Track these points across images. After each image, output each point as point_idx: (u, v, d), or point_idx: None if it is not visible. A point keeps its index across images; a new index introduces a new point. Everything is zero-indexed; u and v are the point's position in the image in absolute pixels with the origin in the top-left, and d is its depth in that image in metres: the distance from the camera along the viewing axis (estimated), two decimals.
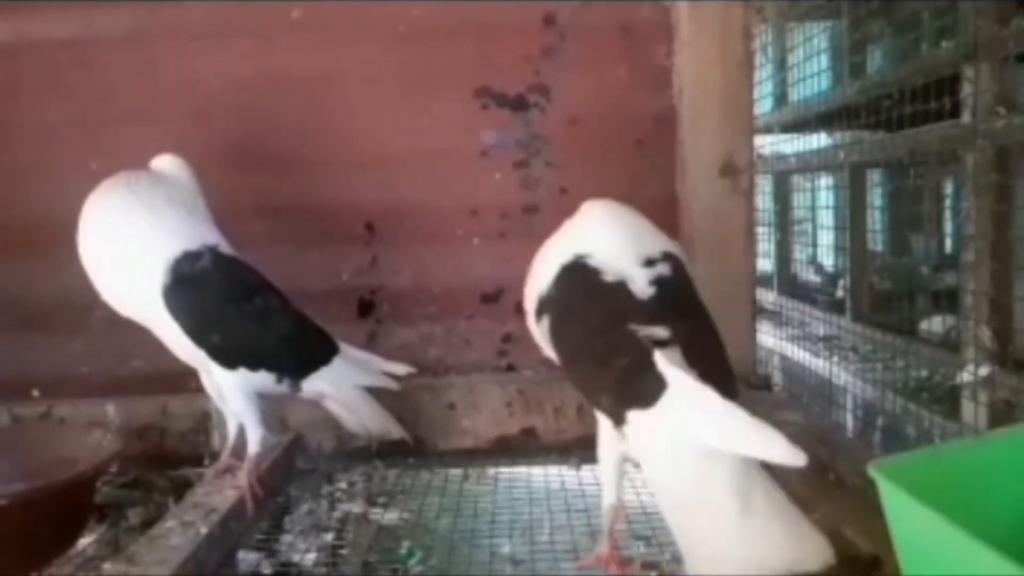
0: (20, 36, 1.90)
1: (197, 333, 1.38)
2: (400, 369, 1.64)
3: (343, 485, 1.70)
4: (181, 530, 1.28)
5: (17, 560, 1.31)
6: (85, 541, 1.44)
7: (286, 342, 1.50)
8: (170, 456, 1.82)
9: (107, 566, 1.21)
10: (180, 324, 1.36)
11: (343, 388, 1.58)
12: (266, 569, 1.35)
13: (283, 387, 1.50)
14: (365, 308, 1.96)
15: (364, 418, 1.63)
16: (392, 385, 1.63)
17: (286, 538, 1.46)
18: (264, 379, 1.47)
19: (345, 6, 1.91)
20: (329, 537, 1.46)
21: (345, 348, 1.60)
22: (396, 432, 1.67)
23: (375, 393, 1.63)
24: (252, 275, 1.49)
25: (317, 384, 1.54)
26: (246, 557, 1.36)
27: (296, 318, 1.54)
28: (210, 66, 1.90)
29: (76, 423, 1.79)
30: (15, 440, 1.61)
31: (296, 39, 1.91)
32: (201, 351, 1.40)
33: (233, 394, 1.45)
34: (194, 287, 1.37)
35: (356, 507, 1.59)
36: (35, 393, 1.92)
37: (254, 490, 1.45)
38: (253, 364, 1.45)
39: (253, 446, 1.47)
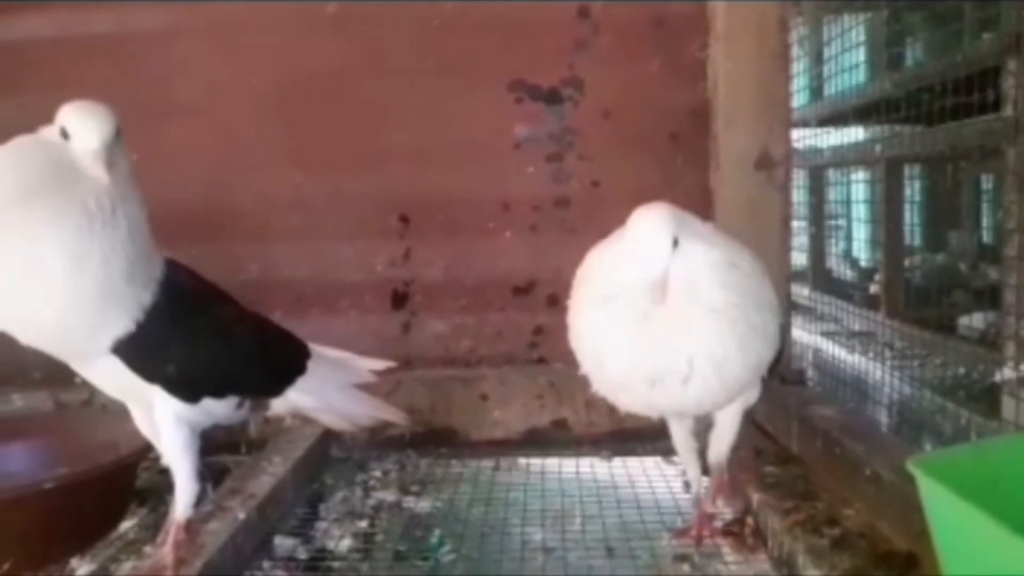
0: (59, 32, 1.94)
1: (148, 367, 1.07)
2: (380, 365, 1.44)
3: (377, 474, 1.72)
4: (219, 515, 1.30)
5: (62, 542, 1.34)
6: (127, 524, 1.47)
7: (258, 357, 1.24)
8: (207, 443, 1.84)
9: (148, 549, 1.25)
10: (123, 359, 1.05)
11: (324, 394, 1.36)
12: (301, 554, 1.37)
13: (243, 411, 1.26)
14: (399, 300, 1.97)
15: (352, 416, 1.46)
16: (371, 378, 1.43)
17: (321, 524, 1.48)
18: (225, 407, 1.20)
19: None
20: (363, 524, 1.48)
21: (315, 348, 1.35)
22: (391, 415, 1.50)
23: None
24: (201, 282, 1.19)
25: (292, 397, 1.31)
26: (282, 543, 1.39)
27: (261, 324, 1.29)
28: (245, 61, 1.93)
29: (117, 409, 1.82)
30: (59, 426, 1.64)
31: (331, 33, 1.93)
32: (154, 385, 1.10)
33: (174, 436, 1.15)
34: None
35: (389, 495, 1.60)
36: (78, 380, 1.95)
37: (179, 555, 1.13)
38: (220, 391, 1.18)
39: (185, 508, 1.17)
